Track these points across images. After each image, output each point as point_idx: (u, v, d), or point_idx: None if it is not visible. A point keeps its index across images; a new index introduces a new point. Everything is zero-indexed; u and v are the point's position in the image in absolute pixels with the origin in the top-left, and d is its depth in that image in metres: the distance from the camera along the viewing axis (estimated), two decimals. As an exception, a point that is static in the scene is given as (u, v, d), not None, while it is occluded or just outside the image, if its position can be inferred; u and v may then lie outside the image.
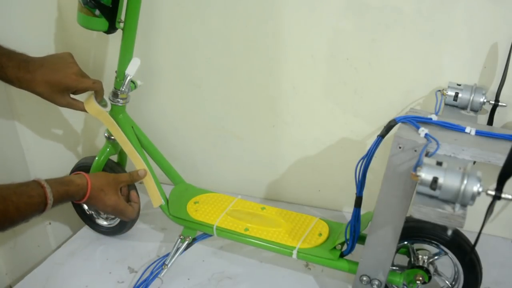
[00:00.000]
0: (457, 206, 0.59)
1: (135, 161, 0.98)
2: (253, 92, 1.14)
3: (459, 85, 0.92)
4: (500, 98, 0.92)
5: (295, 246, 0.90)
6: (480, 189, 0.56)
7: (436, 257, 0.87)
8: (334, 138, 1.13)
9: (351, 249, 0.87)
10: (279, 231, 0.94)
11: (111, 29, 0.90)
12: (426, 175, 0.58)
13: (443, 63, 0.97)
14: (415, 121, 0.74)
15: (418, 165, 0.60)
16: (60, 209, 1.18)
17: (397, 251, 0.89)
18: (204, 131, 1.24)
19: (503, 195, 0.55)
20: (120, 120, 0.99)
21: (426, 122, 0.75)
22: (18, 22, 1.01)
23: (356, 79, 1.04)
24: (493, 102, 0.92)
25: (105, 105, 0.97)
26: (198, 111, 1.21)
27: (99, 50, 1.19)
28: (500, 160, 0.66)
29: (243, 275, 1.00)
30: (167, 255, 0.98)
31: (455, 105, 0.91)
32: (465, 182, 0.56)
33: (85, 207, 1.13)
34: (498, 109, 0.93)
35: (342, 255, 0.89)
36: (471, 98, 0.89)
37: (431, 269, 0.85)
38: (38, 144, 1.10)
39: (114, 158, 1.11)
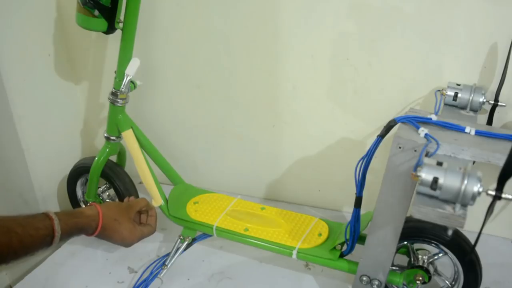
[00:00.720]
0: (458, 206, 0.59)
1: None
2: (253, 92, 1.14)
3: (459, 85, 0.92)
4: (500, 98, 0.92)
5: (295, 246, 0.90)
6: (480, 189, 0.56)
7: (436, 257, 0.87)
8: (334, 138, 1.13)
9: (351, 249, 0.87)
10: (279, 231, 0.94)
11: (110, 29, 0.90)
12: (426, 175, 0.58)
13: (442, 63, 0.97)
14: (415, 121, 0.74)
15: (418, 165, 0.60)
16: (60, 209, 1.19)
17: (397, 251, 0.89)
18: (204, 131, 1.24)
19: (503, 195, 0.55)
20: (120, 121, 0.99)
21: (426, 122, 0.75)
22: (18, 22, 1.01)
23: (356, 79, 1.04)
24: (492, 102, 0.92)
25: None
26: (198, 111, 1.21)
27: (98, 50, 1.19)
28: (500, 160, 0.66)
29: (243, 275, 1.00)
30: (167, 255, 0.98)
31: (454, 105, 0.91)
32: (465, 182, 0.56)
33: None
34: (497, 109, 0.93)
35: (342, 255, 0.89)
36: (471, 98, 0.89)
37: (431, 269, 0.85)
38: (38, 144, 1.10)
39: (114, 158, 1.11)
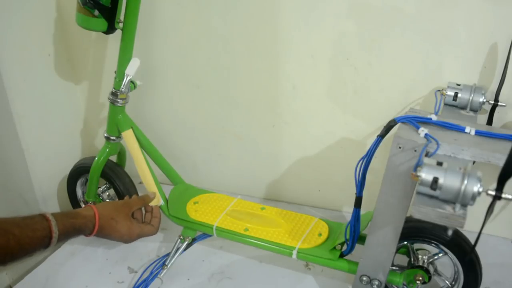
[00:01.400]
0: (457, 206, 0.59)
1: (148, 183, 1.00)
2: (253, 92, 1.14)
3: (459, 85, 0.92)
4: (500, 98, 0.92)
5: (295, 246, 0.90)
6: (480, 189, 0.56)
7: (436, 257, 0.87)
8: (334, 138, 1.13)
9: (351, 249, 0.87)
10: (279, 231, 0.94)
11: (110, 29, 0.90)
12: (426, 175, 0.58)
13: (442, 63, 0.97)
14: (415, 121, 0.74)
15: (418, 165, 0.60)
16: (60, 209, 1.19)
17: (397, 251, 0.89)
18: (204, 131, 1.24)
19: (503, 195, 0.55)
20: (120, 121, 0.99)
21: (426, 122, 0.75)
22: (18, 22, 1.01)
23: (356, 79, 1.04)
24: (492, 102, 0.92)
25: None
26: (198, 111, 1.21)
27: (98, 50, 1.19)
28: (500, 160, 0.66)
29: (243, 275, 1.00)
30: (167, 255, 0.98)
31: (454, 105, 0.91)
32: (465, 182, 0.56)
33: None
34: (497, 109, 0.93)
35: (342, 255, 0.89)
36: (471, 98, 0.89)
37: (431, 269, 0.85)
38: (38, 144, 1.10)
39: (114, 158, 1.11)
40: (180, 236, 0.99)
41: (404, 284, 0.87)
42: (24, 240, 0.66)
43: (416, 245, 0.89)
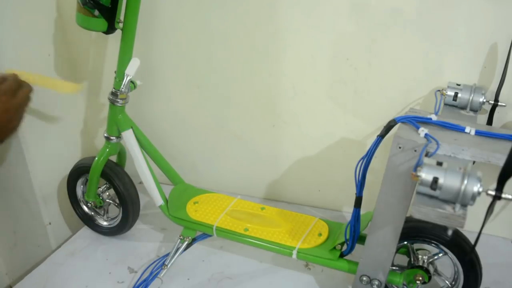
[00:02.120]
0: (457, 206, 0.59)
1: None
2: (253, 92, 1.14)
3: (459, 85, 0.92)
4: (500, 98, 0.92)
5: (295, 246, 0.90)
6: (480, 189, 0.56)
7: (436, 257, 0.87)
8: (334, 138, 1.13)
9: (351, 249, 0.87)
10: (279, 231, 0.94)
11: (110, 29, 0.90)
12: (426, 175, 0.58)
13: (442, 63, 0.97)
14: (415, 121, 0.74)
15: (418, 165, 0.60)
16: (60, 209, 1.19)
17: (397, 251, 0.89)
18: (204, 131, 1.24)
19: (503, 195, 0.55)
20: (120, 121, 0.99)
21: (426, 122, 0.75)
22: (17, 22, 1.01)
23: (356, 79, 1.04)
24: (492, 102, 0.92)
25: None
26: (198, 111, 1.21)
27: (98, 50, 1.19)
28: (500, 160, 0.66)
29: (243, 275, 1.00)
30: (167, 255, 0.98)
31: (454, 105, 0.91)
32: (465, 182, 0.56)
33: (85, 208, 1.13)
34: (497, 109, 0.93)
35: (342, 255, 0.89)
36: (471, 98, 0.89)
37: (431, 269, 0.85)
38: (38, 144, 1.10)
39: (114, 158, 1.11)
40: (180, 236, 0.99)
41: (404, 284, 0.87)
42: None
43: (416, 245, 0.89)
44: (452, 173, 0.58)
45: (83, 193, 1.14)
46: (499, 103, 0.92)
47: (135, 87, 0.99)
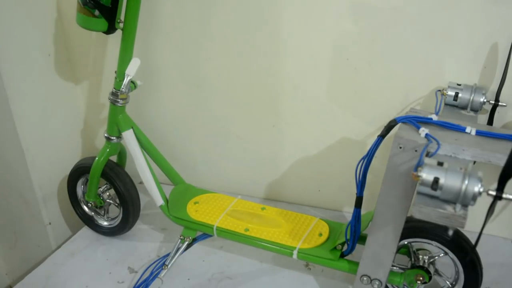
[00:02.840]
0: (458, 206, 0.58)
1: None
2: (254, 92, 1.14)
3: (459, 85, 0.92)
4: (500, 98, 0.92)
5: (295, 246, 0.90)
6: (481, 189, 0.56)
7: (436, 257, 0.87)
8: (334, 138, 1.13)
9: (351, 249, 0.87)
10: (279, 231, 0.94)
11: (110, 29, 0.90)
12: (427, 175, 0.58)
13: (443, 63, 0.97)
14: (416, 121, 0.74)
15: (419, 165, 0.60)
16: (60, 209, 1.19)
17: (398, 251, 0.89)
18: (204, 131, 1.24)
19: (504, 195, 0.55)
20: (120, 121, 0.99)
21: (427, 122, 0.75)
22: (18, 22, 1.01)
23: (356, 79, 1.04)
24: (493, 102, 0.92)
25: None
26: (198, 111, 1.21)
27: (98, 50, 1.19)
28: (500, 160, 0.66)
29: (243, 275, 1.00)
30: (167, 255, 0.98)
31: (455, 105, 0.91)
32: (466, 182, 0.56)
33: (85, 208, 1.13)
34: (498, 109, 0.93)
35: (342, 255, 0.89)
36: (471, 98, 0.89)
37: (431, 269, 0.85)
38: (38, 144, 1.10)
39: (114, 158, 1.11)
40: (180, 236, 0.99)
41: (404, 284, 0.87)
42: None
43: (417, 245, 0.89)
44: (453, 173, 0.58)
45: (84, 193, 1.14)
46: (499, 103, 0.92)
47: (135, 87, 0.99)
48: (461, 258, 0.82)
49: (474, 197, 0.56)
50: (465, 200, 0.57)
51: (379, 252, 0.80)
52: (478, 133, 0.72)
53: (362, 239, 0.87)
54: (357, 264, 0.85)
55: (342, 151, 1.14)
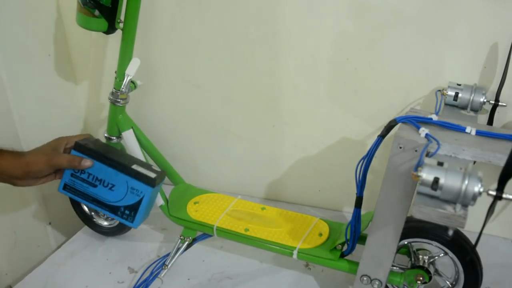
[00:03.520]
0: (458, 206, 0.58)
1: None
2: (253, 92, 1.14)
3: (459, 85, 0.92)
4: (500, 98, 0.92)
5: (296, 246, 0.90)
6: (481, 189, 0.56)
7: (436, 257, 0.87)
8: (334, 138, 1.13)
9: (351, 249, 0.87)
10: (280, 231, 0.94)
11: (110, 29, 0.90)
12: (427, 175, 0.58)
13: (443, 63, 0.97)
14: (416, 121, 0.74)
15: (419, 165, 0.60)
16: (60, 209, 1.19)
17: (398, 251, 0.89)
18: (204, 131, 1.24)
19: (504, 195, 0.55)
20: (120, 121, 0.99)
21: (427, 122, 0.75)
22: (18, 22, 1.01)
23: (356, 79, 1.04)
24: (493, 102, 0.92)
25: None
26: (198, 111, 1.21)
27: (98, 50, 1.19)
28: (500, 160, 0.66)
29: (243, 275, 1.00)
30: (167, 255, 0.98)
31: (455, 105, 0.91)
32: (466, 182, 0.56)
33: (85, 208, 1.13)
34: (498, 109, 0.93)
35: (342, 255, 0.89)
36: (471, 98, 0.89)
37: (431, 269, 0.85)
38: (38, 144, 1.09)
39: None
40: (180, 236, 0.99)
41: (404, 284, 0.87)
42: None
43: (417, 245, 0.89)
44: (453, 173, 0.58)
45: (83, 193, 1.14)
46: (499, 103, 0.92)
47: (135, 87, 0.98)
48: (461, 258, 0.82)
49: (474, 197, 0.56)
50: (465, 200, 0.57)
51: (379, 252, 0.80)
52: (478, 133, 0.72)
53: (362, 239, 0.87)
54: (357, 264, 0.85)
55: (342, 151, 1.14)
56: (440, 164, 0.60)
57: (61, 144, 0.88)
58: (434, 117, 0.75)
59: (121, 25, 0.91)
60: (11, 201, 1.11)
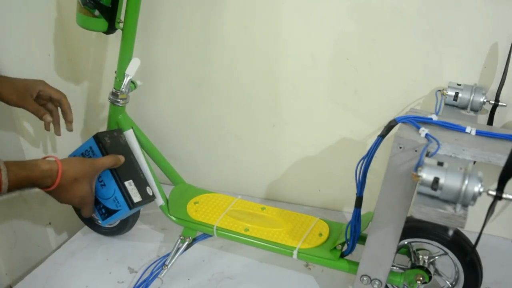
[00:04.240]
0: (458, 206, 0.58)
1: None
2: (253, 92, 1.14)
3: (459, 85, 0.92)
4: (500, 98, 0.92)
5: (296, 246, 0.90)
6: (481, 189, 0.56)
7: (436, 257, 0.87)
8: (334, 138, 1.13)
9: (351, 249, 0.87)
10: (279, 231, 0.94)
11: (110, 29, 0.90)
12: (427, 175, 0.58)
13: (443, 63, 0.97)
14: (416, 121, 0.74)
15: (419, 165, 0.60)
16: (60, 209, 1.19)
17: (398, 251, 0.89)
18: (204, 131, 1.24)
19: (504, 195, 0.55)
20: (120, 121, 0.99)
21: (427, 122, 0.75)
22: (18, 22, 1.01)
23: (356, 79, 1.04)
24: (493, 102, 0.92)
25: None
26: (198, 111, 1.21)
27: (98, 50, 1.19)
28: (500, 160, 0.66)
29: (243, 275, 1.00)
30: (167, 255, 0.98)
31: (455, 105, 0.91)
32: (466, 182, 0.56)
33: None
34: (498, 109, 0.93)
35: (342, 255, 0.89)
36: (471, 98, 0.89)
37: (431, 269, 0.85)
38: (38, 144, 1.10)
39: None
40: (180, 236, 0.99)
41: (404, 284, 0.87)
42: None
43: (417, 245, 0.89)
44: (453, 173, 0.58)
45: (83, 193, 1.14)
46: (499, 103, 0.92)
47: (135, 87, 0.98)
48: (461, 258, 0.82)
49: (474, 197, 0.56)
50: (465, 200, 0.57)
51: (379, 252, 0.80)
52: (478, 133, 0.72)
53: (362, 239, 0.87)
54: (357, 264, 0.85)
55: (342, 151, 1.14)
56: (440, 164, 0.60)
57: (35, 90, 0.90)
58: (434, 117, 0.75)
59: (121, 25, 0.91)
60: (11, 201, 1.11)
